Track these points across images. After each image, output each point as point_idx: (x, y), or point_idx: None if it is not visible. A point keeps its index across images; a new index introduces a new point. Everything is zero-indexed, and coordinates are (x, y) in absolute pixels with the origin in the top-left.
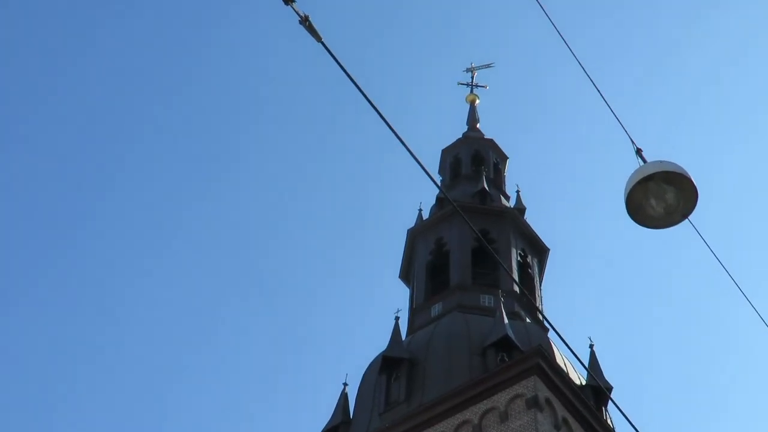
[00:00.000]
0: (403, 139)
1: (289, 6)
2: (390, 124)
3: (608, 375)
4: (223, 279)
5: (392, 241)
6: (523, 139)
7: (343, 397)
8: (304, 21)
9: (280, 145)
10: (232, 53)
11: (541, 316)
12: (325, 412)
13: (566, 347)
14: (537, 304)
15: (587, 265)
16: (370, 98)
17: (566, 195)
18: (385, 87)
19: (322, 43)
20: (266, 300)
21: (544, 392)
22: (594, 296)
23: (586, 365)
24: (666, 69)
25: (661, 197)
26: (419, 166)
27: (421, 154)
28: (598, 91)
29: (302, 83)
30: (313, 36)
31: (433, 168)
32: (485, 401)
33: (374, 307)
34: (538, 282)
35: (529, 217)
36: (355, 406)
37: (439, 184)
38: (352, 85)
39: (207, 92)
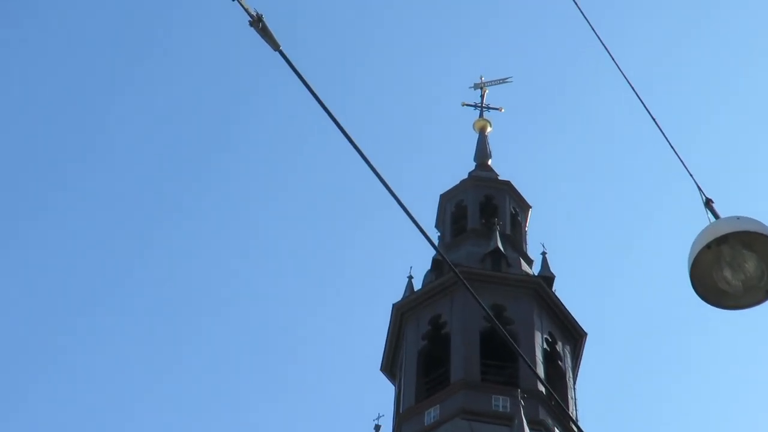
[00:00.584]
0: (385, 180)
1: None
2: (366, 156)
3: None
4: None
5: (372, 320)
6: (551, 182)
7: None
8: (256, 23)
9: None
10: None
11: (575, 428)
12: None
13: None
14: (570, 410)
15: (637, 355)
16: (339, 123)
17: (608, 259)
18: (365, 109)
19: (280, 52)
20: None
21: None
22: (648, 398)
23: None
24: (738, 96)
25: (739, 266)
26: (408, 217)
27: (410, 201)
28: (654, 120)
29: (265, 101)
30: (268, 42)
31: (429, 220)
32: None
33: (347, 410)
34: (571, 379)
35: (560, 289)
36: None
37: (436, 242)
38: (317, 102)
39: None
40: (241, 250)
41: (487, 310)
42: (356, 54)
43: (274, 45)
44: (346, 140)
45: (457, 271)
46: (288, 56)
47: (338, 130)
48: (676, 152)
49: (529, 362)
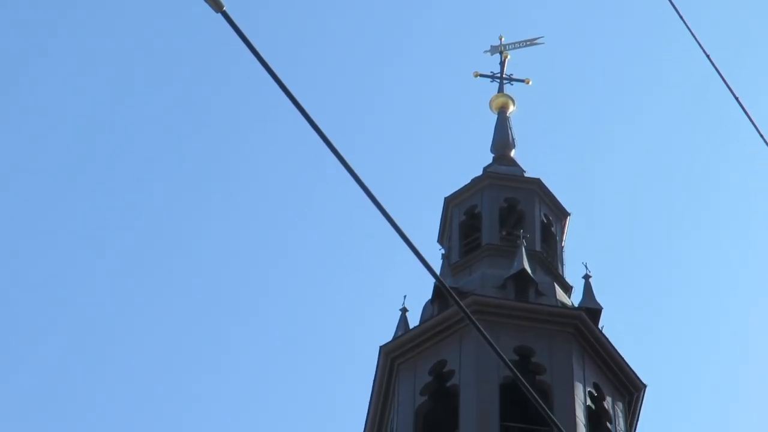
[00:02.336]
0: (365, 181)
1: None
2: (340, 151)
3: None
4: None
5: (352, 368)
6: (596, 181)
7: None
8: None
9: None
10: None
11: None
12: None
13: None
14: None
15: (712, 413)
16: (303, 107)
17: (671, 284)
18: (346, 81)
19: (223, 13)
20: None
21: None
22: None
23: None
24: None
25: None
26: (398, 235)
27: (402, 206)
28: (741, 105)
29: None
30: (231, 26)
31: (431, 232)
32: None
33: None
34: None
35: (608, 326)
36: None
37: (440, 261)
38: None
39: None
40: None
41: (508, 362)
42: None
43: (217, 6)
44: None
45: (462, 304)
46: (232, 18)
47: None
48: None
49: (561, 428)
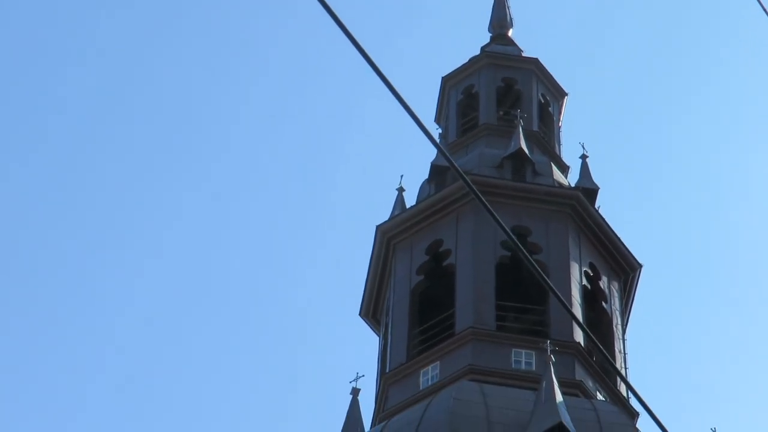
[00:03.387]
0: (366, 51)
1: None
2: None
3: None
4: None
5: (349, 248)
6: (595, 60)
7: None
8: None
9: None
10: None
11: (625, 390)
12: None
13: None
14: (618, 367)
15: (707, 293)
16: None
17: (667, 164)
18: None
19: None
20: None
21: None
22: (717, 346)
23: None
24: None
25: None
26: (397, 100)
27: (400, 85)
28: None
29: None
30: None
31: (427, 112)
32: None
33: (316, 370)
34: (619, 327)
35: (605, 206)
36: None
37: (437, 139)
38: None
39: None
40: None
41: (509, 232)
42: None
43: None
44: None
45: (466, 177)
46: None
47: None
48: None
49: (562, 298)
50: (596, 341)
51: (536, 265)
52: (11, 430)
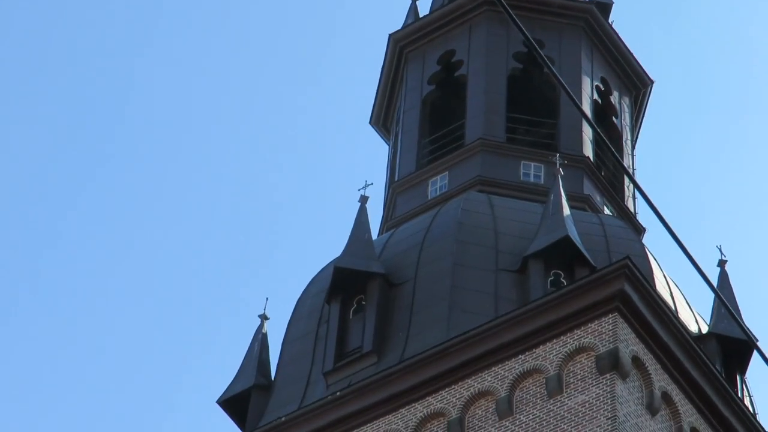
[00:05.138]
0: None
1: None
2: None
3: (749, 320)
4: None
5: (361, 54)
6: None
7: (260, 341)
8: None
9: None
10: None
11: (633, 205)
12: (231, 365)
13: (689, 262)
14: (625, 183)
15: (718, 110)
16: None
17: None
18: None
19: None
20: None
21: (630, 344)
22: (731, 165)
23: (715, 286)
24: None
25: None
26: None
27: None
28: None
29: None
30: None
31: None
32: (520, 358)
33: (324, 177)
34: (629, 142)
35: (618, 21)
36: (280, 359)
37: None
38: None
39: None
40: None
41: (524, 30)
42: None
43: None
44: None
45: None
46: None
47: None
48: None
49: (575, 98)
50: (605, 139)
51: (551, 67)
52: (11, 430)
